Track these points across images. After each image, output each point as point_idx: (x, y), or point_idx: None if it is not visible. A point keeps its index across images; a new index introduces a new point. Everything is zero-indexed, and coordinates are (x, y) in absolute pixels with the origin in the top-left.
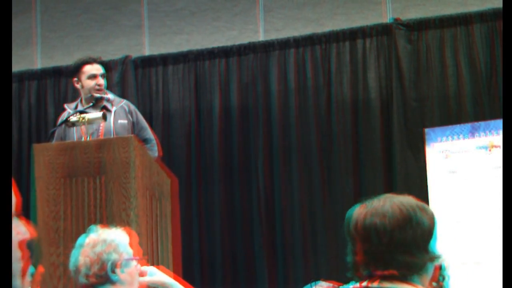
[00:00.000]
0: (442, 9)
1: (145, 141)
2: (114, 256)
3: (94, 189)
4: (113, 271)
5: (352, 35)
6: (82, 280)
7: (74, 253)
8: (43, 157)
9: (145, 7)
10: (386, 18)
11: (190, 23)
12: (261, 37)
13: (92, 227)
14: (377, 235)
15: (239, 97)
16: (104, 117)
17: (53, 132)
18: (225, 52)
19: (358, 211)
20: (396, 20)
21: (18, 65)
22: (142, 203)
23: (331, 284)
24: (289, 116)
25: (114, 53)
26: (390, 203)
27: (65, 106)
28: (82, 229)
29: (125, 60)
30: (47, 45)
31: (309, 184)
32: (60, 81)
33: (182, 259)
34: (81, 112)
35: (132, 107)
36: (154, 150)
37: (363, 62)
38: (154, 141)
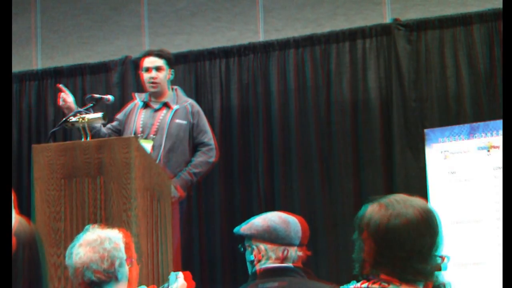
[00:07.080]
0: (442, 9)
1: (201, 144)
2: (121, 254)
3: (94, 190)
4: (120, 269)
5: (351, 35)
6: (90, 275)
7: (78, 250)
8: (42, 157)
9: (145, 7)
10: (386, 19)
11: (190, 23)
12: (261, 37)
13: (88, 226)
14: (400, 241)
15: (239, 98)
16: (104, 117)
17: (53, 133)
18: (225, 53)
19: (380, 213)
20: (396, 20)
21: (18, 65)
22: (142, 203)
23: None
24: (289, 116)
25: (114, 54)
26: (413, 208)
27: (135, 95)
28: (82, 230)
29: (125, 60)
30: (47, 45)
31: (309, 184)
32: (60, 82)
33: (182, 259)
34: (81, 112)
35: (197, 108)
36: (208, 155)
37: (363, 62)
38: (211, 147)
